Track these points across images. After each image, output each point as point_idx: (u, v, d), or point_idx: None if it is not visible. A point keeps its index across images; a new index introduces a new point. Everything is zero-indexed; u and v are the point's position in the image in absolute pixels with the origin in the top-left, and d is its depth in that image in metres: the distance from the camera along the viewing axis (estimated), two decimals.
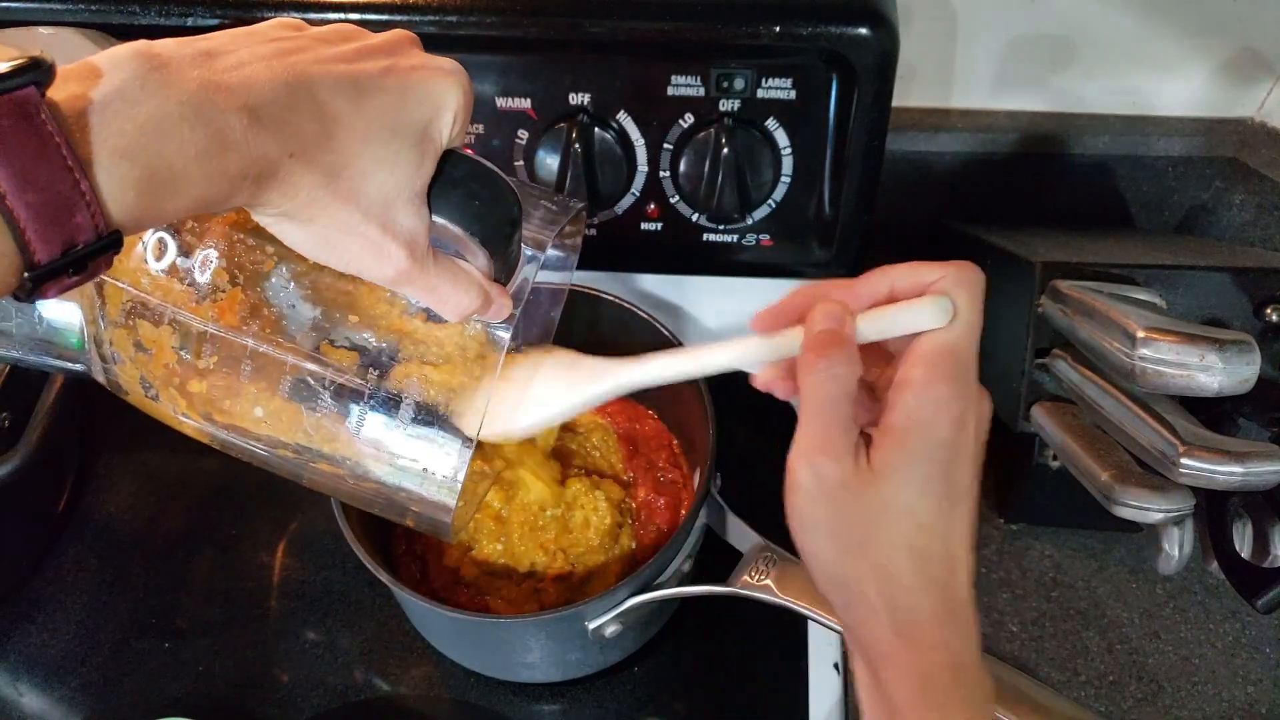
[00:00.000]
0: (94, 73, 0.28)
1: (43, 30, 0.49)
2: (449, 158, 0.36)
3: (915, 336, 0.36)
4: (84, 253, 0.27)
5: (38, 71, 0.26)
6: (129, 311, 0.42)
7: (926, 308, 0.36)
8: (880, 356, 0.40)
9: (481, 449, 0.56)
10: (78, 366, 0.48)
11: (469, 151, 0.44)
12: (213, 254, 0.41)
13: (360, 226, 0.33)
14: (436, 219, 0.36)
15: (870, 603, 0.36)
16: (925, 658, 0.35)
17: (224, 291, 0.41)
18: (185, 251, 0.41)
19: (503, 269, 0.39)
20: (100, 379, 0.46)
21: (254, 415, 0.43)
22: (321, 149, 0.32)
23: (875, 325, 0.37)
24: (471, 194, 0.36)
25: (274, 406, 0.43)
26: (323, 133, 0.32)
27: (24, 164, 0.25)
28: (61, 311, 0.46)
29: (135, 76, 0.28)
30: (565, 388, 0.45)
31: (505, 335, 0.40)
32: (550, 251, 0.46)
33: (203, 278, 0.41)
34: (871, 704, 0.37)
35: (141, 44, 0.29)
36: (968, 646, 0.36)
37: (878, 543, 0.35)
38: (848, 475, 0.35)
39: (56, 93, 0.27)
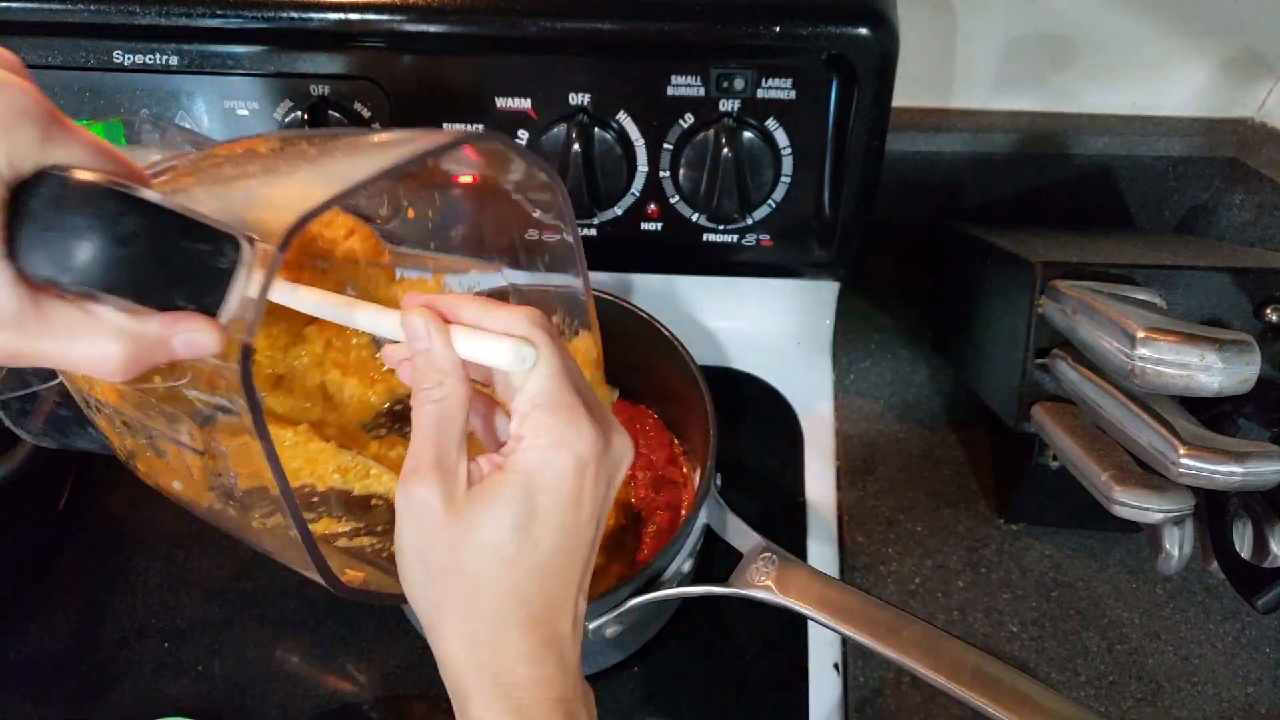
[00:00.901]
0: None
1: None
2: (28, 186, 0.28)
3: (518, 391, 0.37)
4: None
5: None
6: (85, 400, 0.42)
7: (504, 349, 0.36)
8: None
9: None
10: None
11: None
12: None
13: None
14: (28, 269, 0.29)
15: (452, 633, 0.36)
16: (506, 693, 0.35)
17: None
18: None
19: (166, 294, 0.30)
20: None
21: (175, 487, 0.43)
22: None
23: (465, 347, 0.37)
24: (45, 226, 0.28)
25: (176, 480, 0.42)
26: None
27: None
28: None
29: None
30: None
31: (229, 370, 0.33)
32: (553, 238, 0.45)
33: None
34: None
35: None
36: (559, 680, 0.36)
37: (462, 574, 0.35)
38: (435, 500, 0.35)
39: None
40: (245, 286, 0.32)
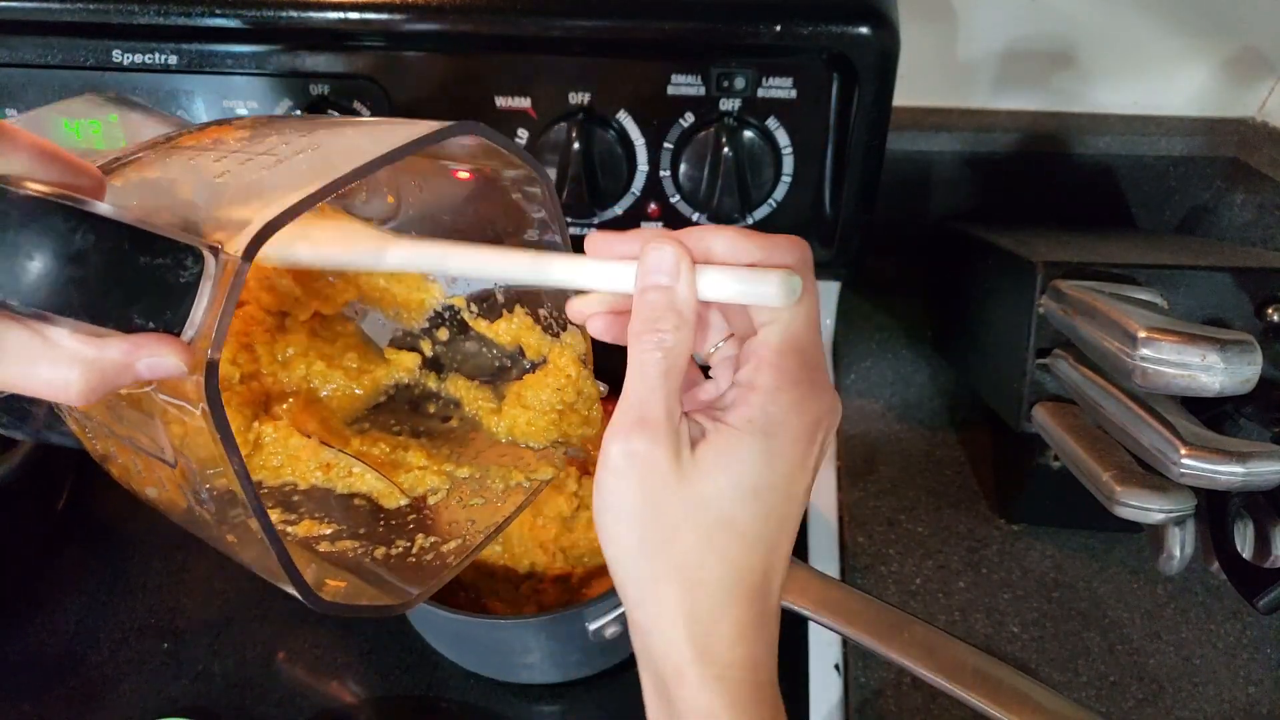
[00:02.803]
0: None
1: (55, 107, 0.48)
2: None
3: (758, 323, 0.33)
4: None
5: None
6: (76, 420, 0.42)
7: (775, 282, 0.31)
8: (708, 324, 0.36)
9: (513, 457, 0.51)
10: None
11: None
12: None
13: None
14: None
15: (667, 606, 0.32)
16: (722, 674, 0.32)
17: None
18: None
19: (135, 312, 0.28)
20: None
21: (149, 493, 0.42)
22: None
23: (716, 287, 0.32)
24: None
25: (149, 486, 0.41)
26: None
27: None
28: None
29: None
30: (342, 240, 0.40)
31: (202, 405, 0.30)
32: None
33: None
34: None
35: None
36: (767, 664, 0.33)
37: (685, 542, 0.32)
38: (664, 460, 0.32)
39: None
40: (210, 300, 0.29)
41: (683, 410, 0.33)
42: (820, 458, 0.34)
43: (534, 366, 0.51)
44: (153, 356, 0.29)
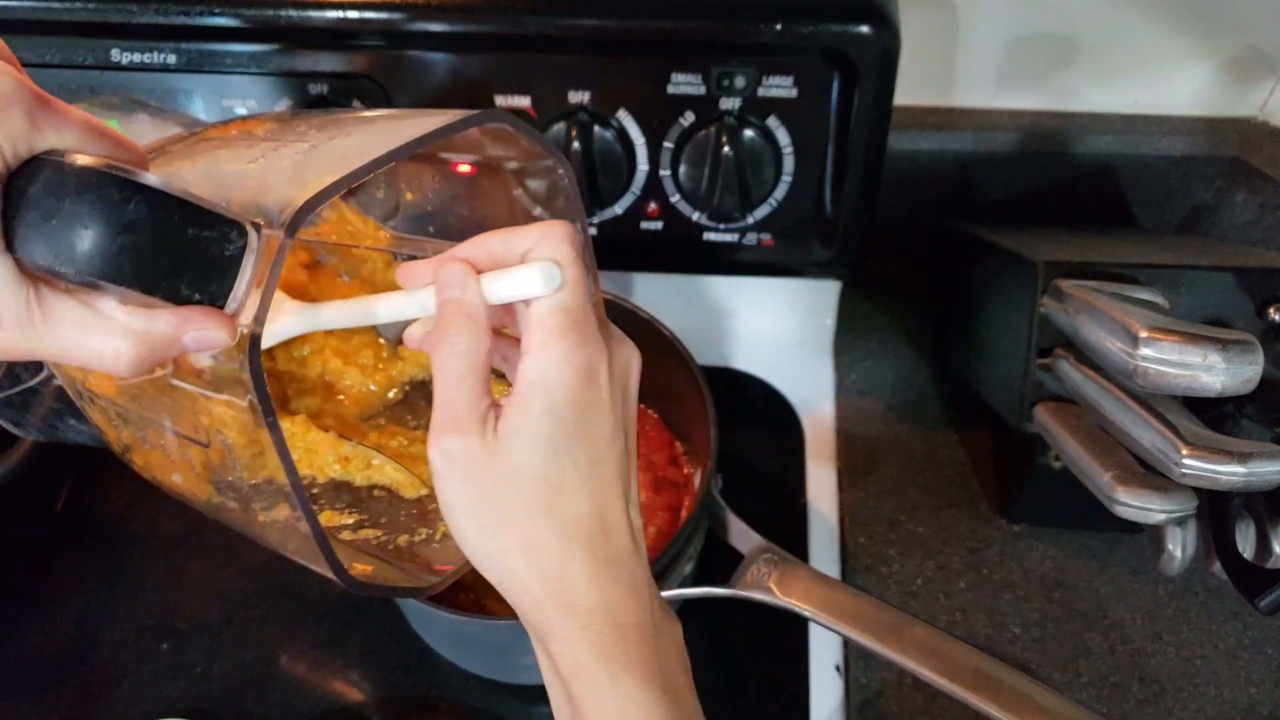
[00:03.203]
0: None
1: (144, 117, 0.48)
2: (24, 173, 0.27)
3: (529, 304, 0.36)
4: None
5: None
6: (78, 392, 0.42)
7: (534, 274, 0.35)
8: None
9: None
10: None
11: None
12: None
13: None
14: (23, 260, 0.28)
15: (521, 576, 0.35)
16: (583, 621, 0.34)
17: None
18: None
19: (173, 285, 0.29)
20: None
21: (174, 481, 0.42)
22: None
23: (496, 290, 0.36)
24: (45, 214, 0.27)
25: (175, 473, 0.41)
26: None
27: None
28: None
29: None
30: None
31: (246, 375, 0.32)
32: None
33: None
34: (551, 688, 0.37)
35: None
36: (630, 602, 0.35)
37: (515, 511, 0.34)
38: (474, 449, 0.34)
39: None
40: (253, 274, 0.30)
41: (493, 401, 0.36)
42: (614, 401, 0.36)
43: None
44: (200, 329, 0.30)
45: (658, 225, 0.67)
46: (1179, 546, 0.52)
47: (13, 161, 0.27)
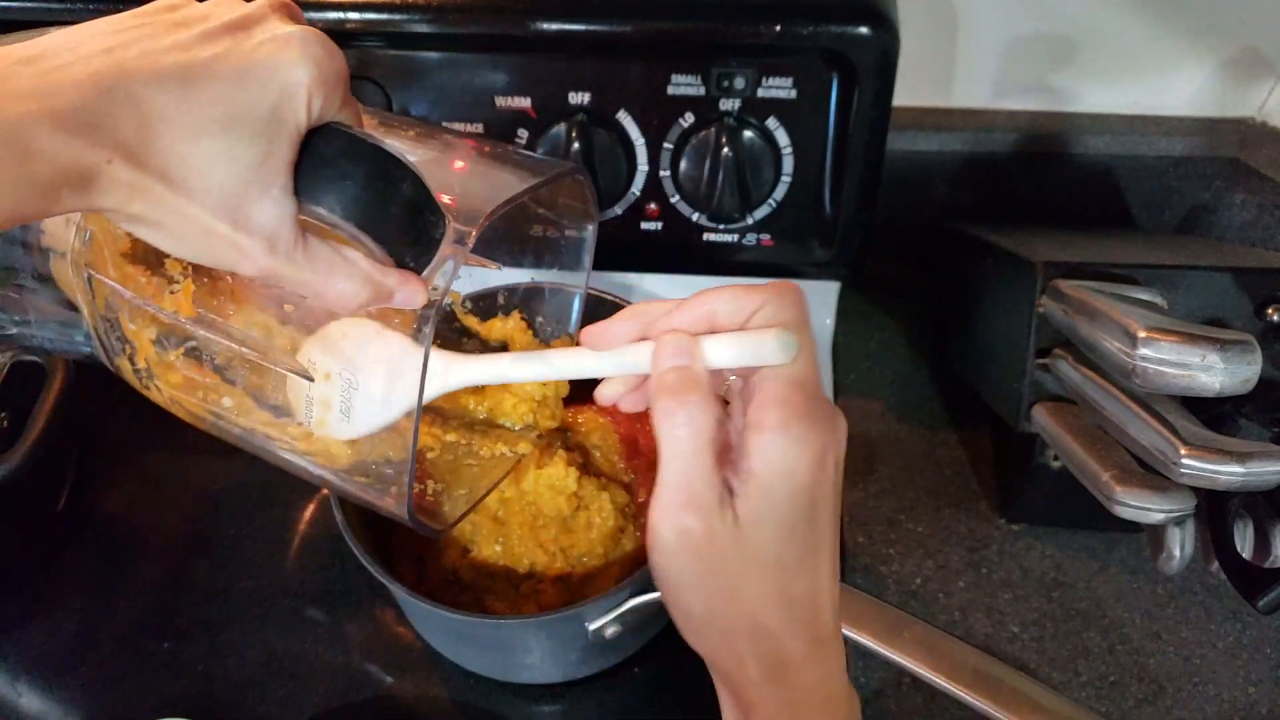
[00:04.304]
0: None
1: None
2: (320, 135, 0.33)
3: (760, 371, 0.35)
4: None
5: None
6: (112, 303, 0.42)
7: (770, 344, 0.34)
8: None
9: (498, 434, 0.56)
10: (87, 350, 0.47)
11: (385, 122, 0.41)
12: None
13: (210, 225, 0.32)
14: (308, 205, 0.33)
15: (738, 652, 0.35)
16: (792, 697, 0.35)
17: (178, 283, 0.41)
18: None
19: (408, 251, 0.35)
20: (107, 366, 0.46)
21: (223, 404, 0.43)
22: (147, 151, 0.30)
23: (722, 356, 0.35)
24: (342, 174, 0.33)
25: (236, 396, 0.42)
26: (145, 134, 0.30)
27: None
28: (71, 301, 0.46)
29: None
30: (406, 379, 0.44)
31: (427, 329, 0.37)
32: (549, 237, 0.45)
33: (162, 268, 0.41)
34: None
35: None
36: (835, 678, 0.36)
37: (746, 595, 0.35)
38: (714, 530, 0.34)
39: None
40: (440, 257, 0.36)
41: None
42: (837, 478, 0.36)
43: (500, 348, 0.60)
44: (409, 289, 0.36)
45: (658, 226, 0.67)
46: (1178, 546, 0.52)
47: (316, 125, 0.33)
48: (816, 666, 0.35)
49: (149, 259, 0.41)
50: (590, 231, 0.52)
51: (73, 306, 0.45)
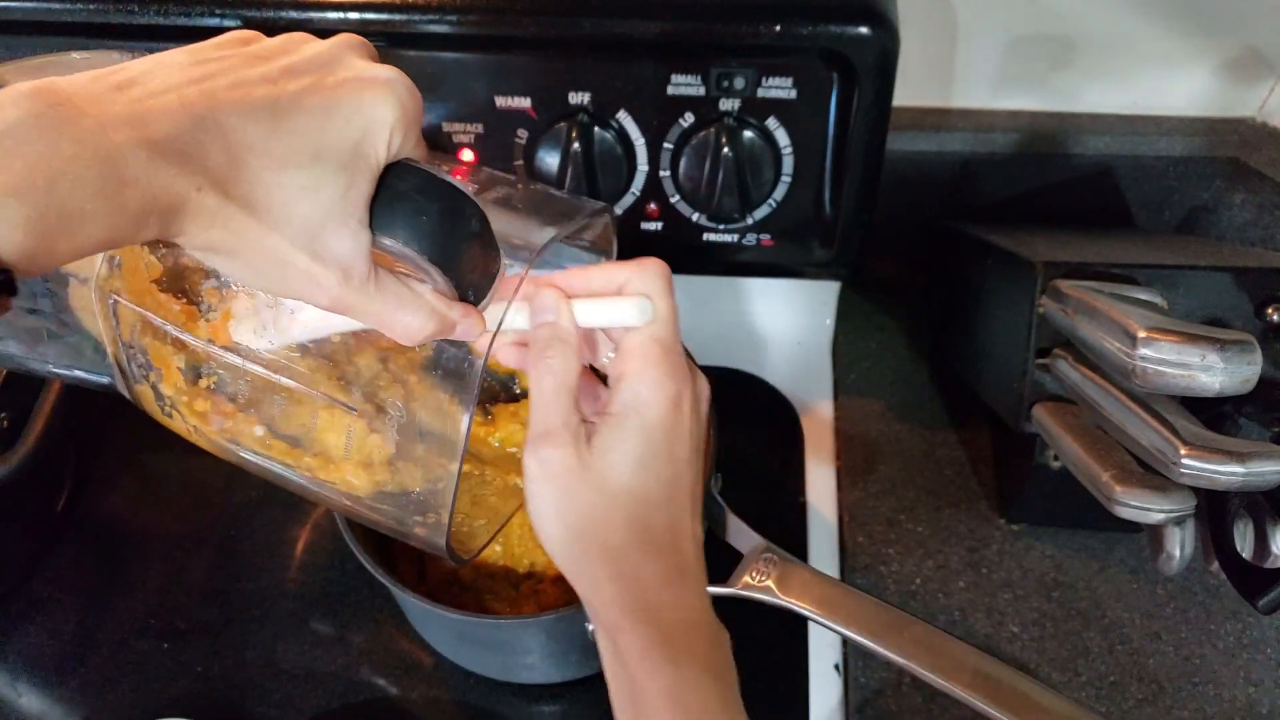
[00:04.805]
0: None
1: (76, 55, 0.48)
2: (395, 171, 0.34)
3: (626, 332, 0.40)
4: None
5: None
6: (138, 330, 0.42)
7: (628, 307, 0.40)
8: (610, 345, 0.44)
9: (510, 463, 0.57)
10: (105, 380, 0.47)
11: (466, 162, 0.44)
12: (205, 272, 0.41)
13: (288, 255, 0.32)
14: (381, 239, 0.33)
15: (599, 576, 0.39)
16: (653, 618, 0.38)
17: (216, 311, 0.41)
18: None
19: (469, 285, 0.36)
20: (125, 393, 0.46)
21: (255, 435, 0.43)
22: (233, 180, 0.30)
23: (588, 316, 0.40)
24: (417, 209, 0.34)
25: (272, 426, 0.42)
26: (233, 163, 0.30)
27: None
28: (87, 328, 0.46)
29: (29, 114, 0.27)
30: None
31: (478, 361, 0.39)
32: (567, 264, 0.46)
33: (197, 295, 0.41)
34: (613, 676, 0.39)
35: (45, 81, 0.28)
36: (700, 605, 0.40)
37: (601, 519, 0.38)
38: (569, 460, 0.38)
39: None
40: (493, 294, 0.38)
41: (583, 417, 0.40)
42: (694, 426, 0.41)
43: (524, 394, 0.62)
44: (469, 322, 0.37)
45: (657, 226, 0.67)
46: (1178, 546, 0.52)
47: (390, 161, 0.33)
48: (675, 592, 0.39)
49: (181, 287, 0.41)
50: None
51: (85, 332, 0.45)
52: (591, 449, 0.38)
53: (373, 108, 0.33)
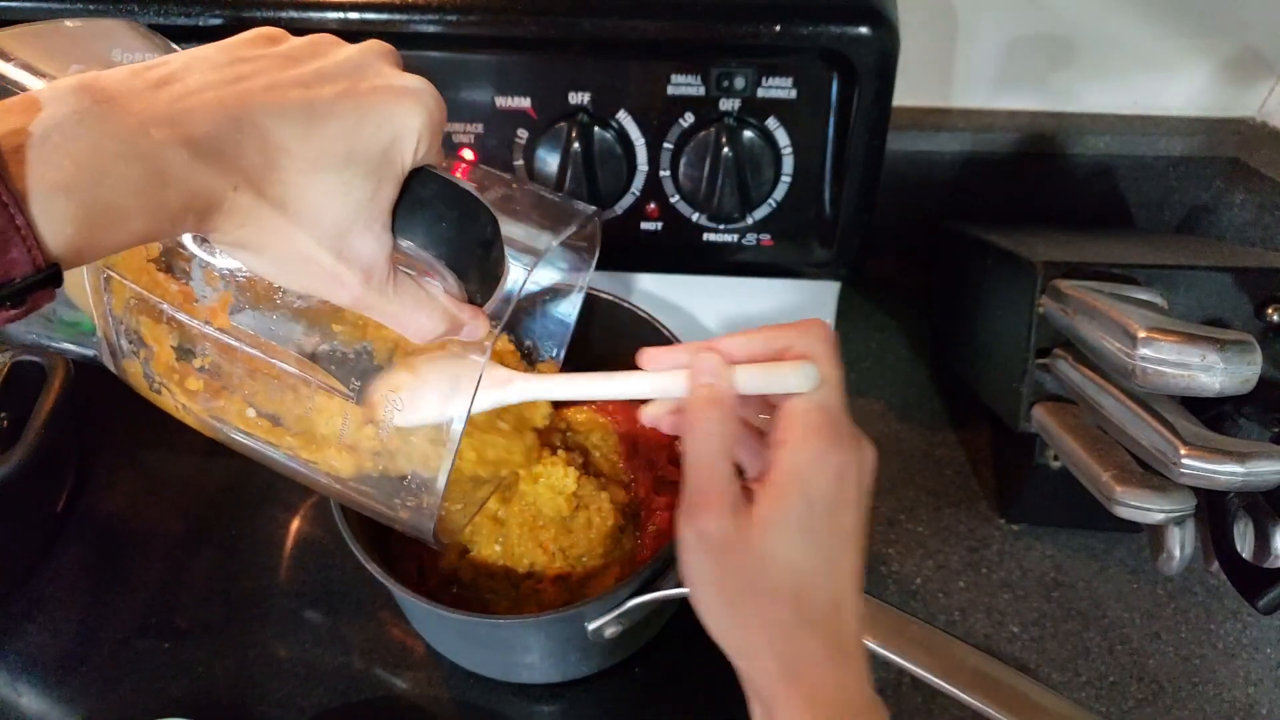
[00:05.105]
0: (34, 106, 0.27)
1: (68, 23, 0.48)
2: (417, 177, 0.35)
3: (788, 395, 0.39)
4: (20, 287, 0.27)
5: None
6: (132, 307, 0.42)
7: (794, 374, 0.39)
8: (768, 407, 0.42)
9: (483, 456, 0.57)
10: (90, 352, 0.48)
11: (468, 166, 0.45)
12: (211, 252, 0.41)
13: (314, 254, 0.33)
14: (401, 241, 0.35)
15: (758, 648, 0.38)
16: (813, 696, 0.37)
17: (216, 293, 0.41)
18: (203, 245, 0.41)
19: (478, 288, 0.38)
20: (110, 367, 0.46)
21: (246, 415, 0.43)
22: (267, 180, 0.31)
23: (750, 382, 0.40)
24: (438, 215, 0.35)
25: (266, 408, 0.43)
26: (268, 164, 0.31)
27: None
28: (76, 300, 0.46)
29: (75, 111, 0.28)
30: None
31: (480, 358, 0.40)
32: (556, 262, 0.46)
33: (196, 277, 0.41)
34: None
35: (88, 76, 0.29)
36: (858, 686, 0.38)
37: (761, 590, 0.37)
38: (728, 530, 0.37)
39: None
40: (500, 299, 0.39)
41: (742, 482, 0.39)
42: (858, 498, 0.39)
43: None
44: (476, 324, 0.38)
45: (657, 226, 0.67)
46: (1177, 546, 0.52)
47: (413, 167, 0.34)
48: (836, 671, 0.37)
49: (178, 267, 0.41)
50: (588, 263, 0.56)
51: (73, 306, 0.46)
52: (751, 520, 0.37)
53: (403, 116, 0.33)
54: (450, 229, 0.35)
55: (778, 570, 0.37)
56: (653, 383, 0.41)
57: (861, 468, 0.39)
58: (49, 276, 0.27)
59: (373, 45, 0.36)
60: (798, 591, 0.37)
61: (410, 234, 0.34)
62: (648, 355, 0.42)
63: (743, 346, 0.40)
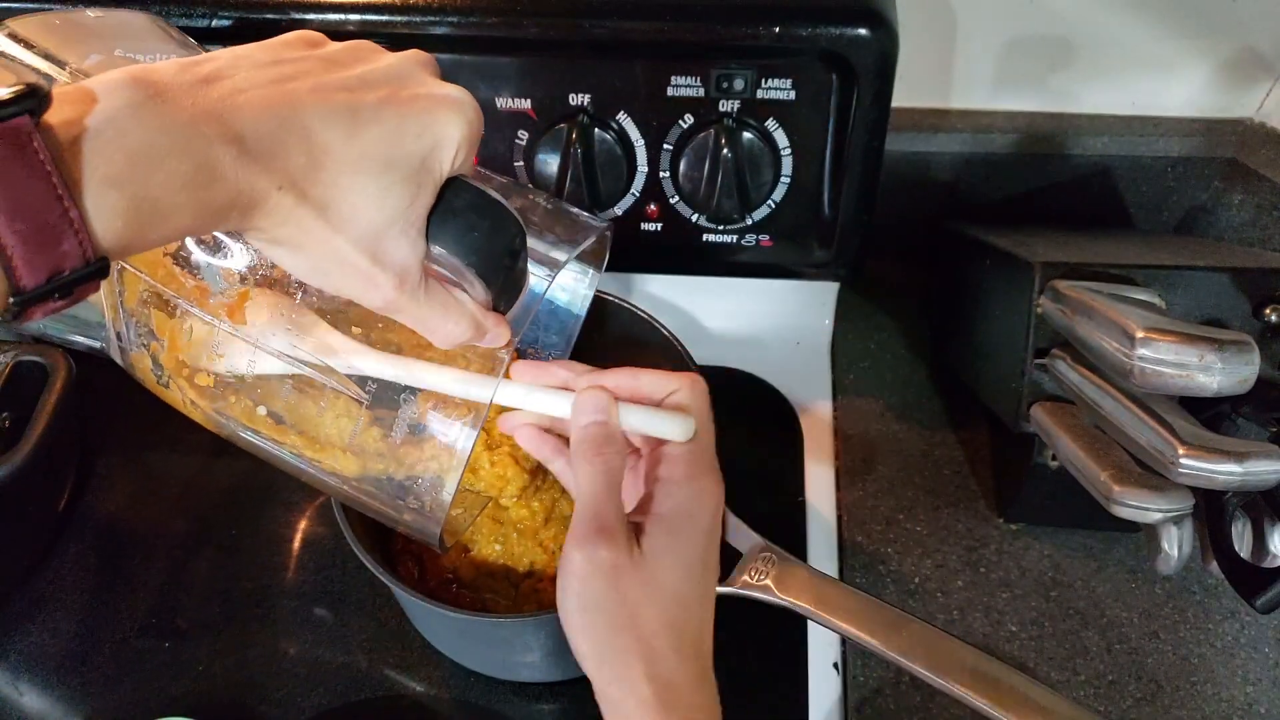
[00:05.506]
0: (89, 98, 0.27)
1: (90, 13, 0.48)
2: (451, 186, 0.35)
3: (665, 442, 0.44)
4: (70, 279, 0.27)
5: (33, 99, 0.26)
6: (145, 300, 0.43)
7: (674, 423, 0.44)
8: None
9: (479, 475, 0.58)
10: (96, 344, 0.48)
11: (486, 177, 0.45)
12: (227, 251, 0.41)
13: (350, 257, 0.33)
14: (434, 248, 0.35)
15: (634, 675, 0.39)
16: (688, 718, 0.39)
17: (234, 289, 0.41)
18: (202, 245, 0.41)
19: (502, 297, 0.38)
20: (116, 359, 0.46)
21: (256, 413, 0.43)
22: (310, 181, 0.31)
23: (633, 421, 0.44)
24: (470, 225, 0.36)
25: (276, 407, 0.43)
26: (312, 165, 0.31)
27: (14, 192, 0.25)
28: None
29: (129, 104, 0.28)
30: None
31: (500, 362, 0.41)
32: (569, 271, 0.47)
33: (214, 274, 0.41)
34: None
35: (140, 69, 0.29)
36: (716, 709, 0.41)
37: (644, 619, 0.40)
38: (621, 559, 0.40)
39: (50, 117, 0.26)
40: (522, 310, 0.40)
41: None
42: (718, 531, 0.44)
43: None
44: (500, 331, 0.39)
45: (657, 227, 0.67)
46: (1176, 546, 0.52)
47: (450, 175, 0.35)
48: (703, 696, 0.40)
49: (194, 262, 0.41)
50: (592, 275, 0.57)
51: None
52: (644, 550, 0.40)
53: (444, 125, 0.34)
54: (481, 239, 0.36)
55: (664, 600, 0.40)
56: (536, 398, 0.45)
57: (722, 502, 0.44)
58: (97, 270, 0.28)
59: (414, 54, 0.37)
60: (676, 621, 0.40)
61: (443, 241, 0.35)
62: (522, 368, 0.46)
63: (630, 383, 0.44)
